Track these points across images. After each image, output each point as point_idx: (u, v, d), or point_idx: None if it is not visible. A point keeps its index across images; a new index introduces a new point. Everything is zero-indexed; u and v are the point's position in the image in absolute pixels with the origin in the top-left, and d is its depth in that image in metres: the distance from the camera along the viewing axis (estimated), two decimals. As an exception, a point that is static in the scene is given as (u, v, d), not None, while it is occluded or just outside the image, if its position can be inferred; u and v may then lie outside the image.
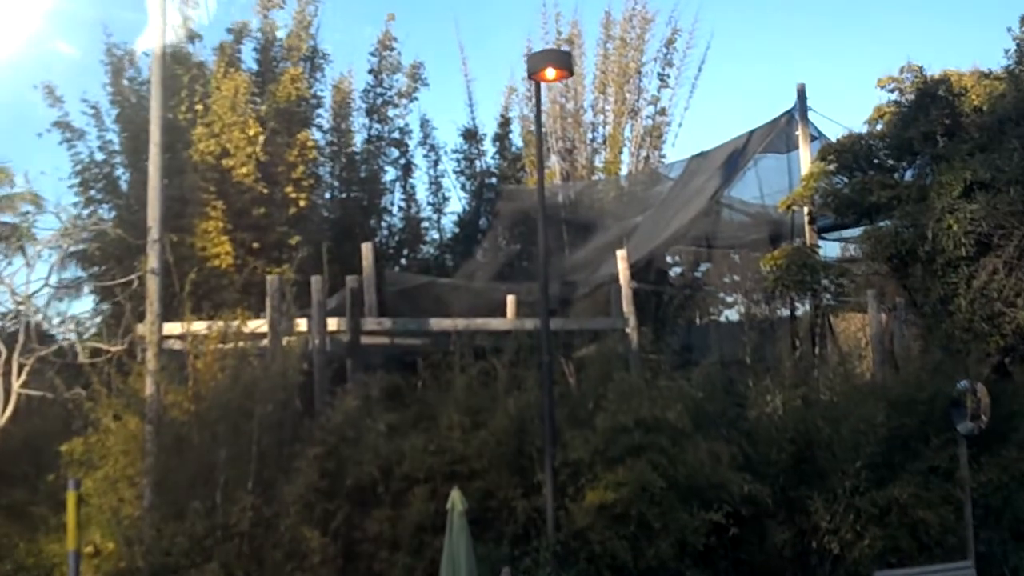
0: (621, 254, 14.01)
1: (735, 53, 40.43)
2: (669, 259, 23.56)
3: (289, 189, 16.99)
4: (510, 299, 13.24)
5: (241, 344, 9.44)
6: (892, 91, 15.62)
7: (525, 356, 10.23)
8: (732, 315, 23.72)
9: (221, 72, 16.73)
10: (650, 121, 23.90)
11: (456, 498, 7.96)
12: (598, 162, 23.91)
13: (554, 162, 23.50)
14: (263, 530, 8.55)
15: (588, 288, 15.96)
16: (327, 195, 20.31)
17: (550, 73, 9.35)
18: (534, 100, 9.69)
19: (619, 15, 23.82)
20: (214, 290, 15.75)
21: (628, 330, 13.17)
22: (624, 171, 23.18)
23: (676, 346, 16.27)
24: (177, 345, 10.06)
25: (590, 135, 24.08)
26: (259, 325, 10.24)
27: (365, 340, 11.55)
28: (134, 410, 8.88)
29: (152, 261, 9.43)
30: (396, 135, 21.27)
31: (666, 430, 9.53)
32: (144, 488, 8.69)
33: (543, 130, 23.66)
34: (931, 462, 10.82)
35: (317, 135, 18.99)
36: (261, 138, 16.48)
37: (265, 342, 10.27)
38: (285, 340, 10.06)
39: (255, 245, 16.39)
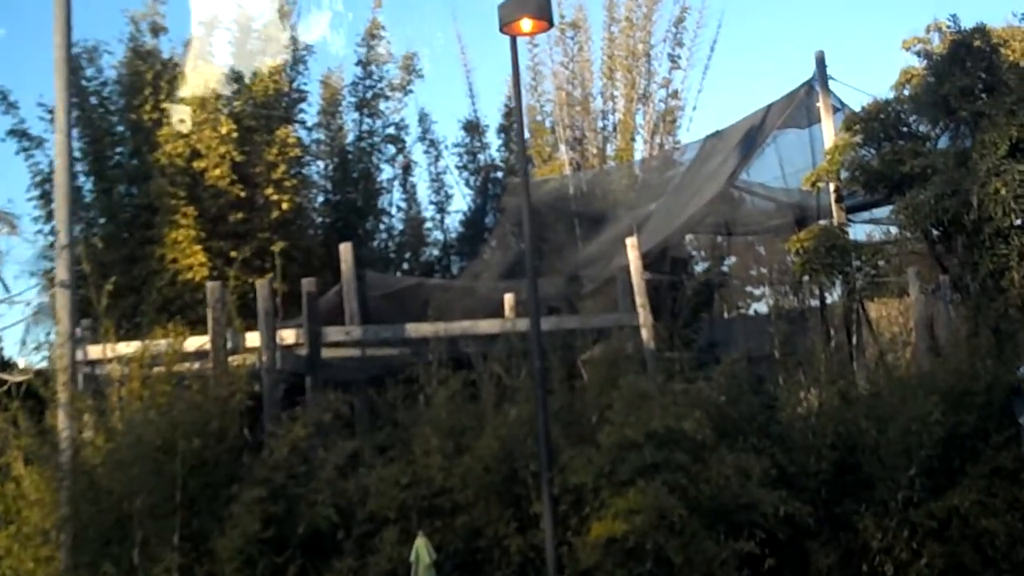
0: (631, 242, 12.61)
1: (749, 29, 38.75)
2: (691, 252, 22.27)
3: (270, 191, 15.84)
4: (507, 298, 11.85)
5: (177, 366, 8.07)
6: (918, 53, 14.24)
7: (518, 362, 8.83)
8: (760, 308, 22.42)
9: (190, 67, 15.54)
10: (663, 105, 22.57)
11: (421, 547, 6.62)
12: (610, 151, 22.60)
13: (563, 152, 22.23)
14: (193, 595, 7.22)
15: (597, 283, 14.56)
16: (319, 198, 19.11)
17: (526, 25, 7.94)
18: (510, 59, 8.20)
19: (624, -4, 22.47)
20: (189, 306, 14.60)
21: (641, 326, 11.76)
22: (637, 158, 21.86)
23: (700, 343, 14.94)
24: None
25: (600, 123, 22.81)
26: (204, 343, 8.92)
27: (330, 354, 10.22)
28: (44, 451, 7.53)
29: (61, 271, 8.11)
30: (392, 131, 20.06)
31: (684, 443, 8.12)
32: (61, 545, 7.33)
33: (551, 120, 22.96)
34: (993, 463, 9.44)
35: (302, 133, 17.80)
36: (235, 136, 15.28)
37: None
38: (237, 359, 8.70)
39: (233, 254, 15.16)
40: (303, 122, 18.01)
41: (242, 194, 15.39)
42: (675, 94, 22.52)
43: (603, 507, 7.82)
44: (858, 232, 15.91)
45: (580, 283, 14.38)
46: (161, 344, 8.09)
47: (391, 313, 11.83)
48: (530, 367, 8.32)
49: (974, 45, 12.76)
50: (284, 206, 15.76)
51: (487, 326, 10.68)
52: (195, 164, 15.14)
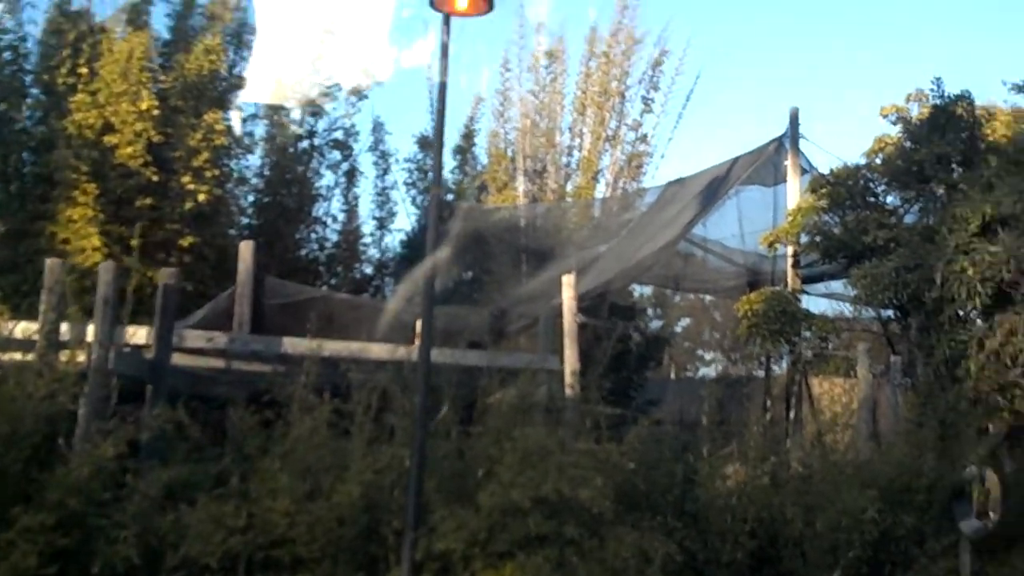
0: (568, 280, 11.49)
1: (727, 81, 38.25)
2: (642, 305, 21.27)
3: (187, 179, 14.46)
4: (419, 324, 10.61)
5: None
6: (896, 122, 13.42)
7: (408, 397, 7.60)
8: (711, 373, 21.38)
9: (117, 32, 14.29)
10: (630, 148, 21.71)
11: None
12: (570, 188, 21.67)
13: (520, 183, 21.27)
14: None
15: (528, 320, 13.41)
16: (249, 197, 17.84)
17: (461, 3, 6.83)
18: (440, 41, 7.05)
19: (606, 31, 21.75)
20: (83, 292, 13.24)
21: (566, 372, 10.58)
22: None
23: (639, 401, 13.92)
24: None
25: (564, 159, 21.88)
26: (35, 331, 7.59)
27: (188, 362, 8.91)
28: None
29: None
30: (340, 135, 18.88)
31: (579, 514, 6.95)
32: None
33: (512, 149, 21.97)
34: (926, 571, 8.55)
35: (237, 123, 16.55)
36: (156, 114, 14.01)
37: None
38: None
39: (134, 242, 13.86)
40: (240, 109, 16.78)
41: (155, 178, 14.08)
42: (644, 138, 21.73)
43: (473, 581, 6.63)
44: (812, 305, 15.08)
45: (506, 318, 13.19)
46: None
47: (291, 326, 10.53)
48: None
49: (956, 113, 11.93)
50: (200, 197, 14.41)
51: (379, 351, 9.45)
52: (106, 139, 13.83)
